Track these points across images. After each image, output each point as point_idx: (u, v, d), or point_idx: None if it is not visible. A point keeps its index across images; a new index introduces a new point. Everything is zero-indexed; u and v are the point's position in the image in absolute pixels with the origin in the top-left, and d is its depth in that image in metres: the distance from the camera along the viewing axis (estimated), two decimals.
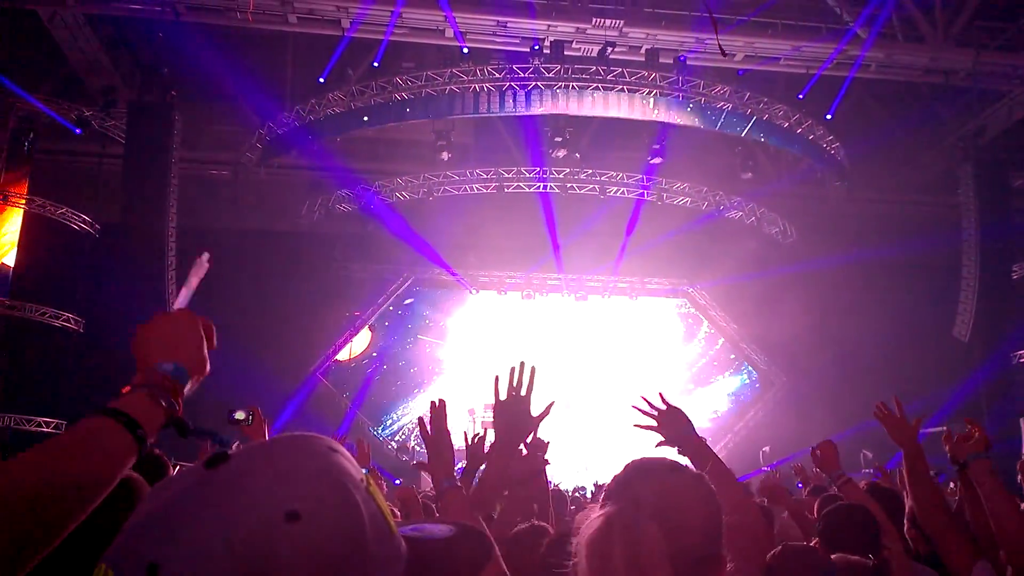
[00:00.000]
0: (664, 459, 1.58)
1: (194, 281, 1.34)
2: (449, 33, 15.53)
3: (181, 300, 1.30)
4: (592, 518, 1.40)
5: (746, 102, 16.65)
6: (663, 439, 2.11)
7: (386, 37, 15.21)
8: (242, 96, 16.30)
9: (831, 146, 17.37)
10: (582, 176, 18.19)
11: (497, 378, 2.16)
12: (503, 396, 2.11)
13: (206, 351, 1.20)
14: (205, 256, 1.36)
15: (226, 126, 16.44)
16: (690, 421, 2.12)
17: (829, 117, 17.10)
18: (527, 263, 19.44)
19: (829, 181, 17.97)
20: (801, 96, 16.70)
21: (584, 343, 21.15)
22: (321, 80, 16.44)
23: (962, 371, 16.91)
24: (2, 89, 14.87)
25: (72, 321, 16.15)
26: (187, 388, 1.15)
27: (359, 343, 19.91)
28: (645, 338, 21.50)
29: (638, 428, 2.16)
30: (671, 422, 2.12)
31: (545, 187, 18.21)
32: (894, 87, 16.89)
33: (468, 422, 19.70)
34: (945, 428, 2.97)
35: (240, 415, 3.13)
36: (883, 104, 16.82)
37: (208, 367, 1.20)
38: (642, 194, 18.26)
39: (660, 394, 2.17)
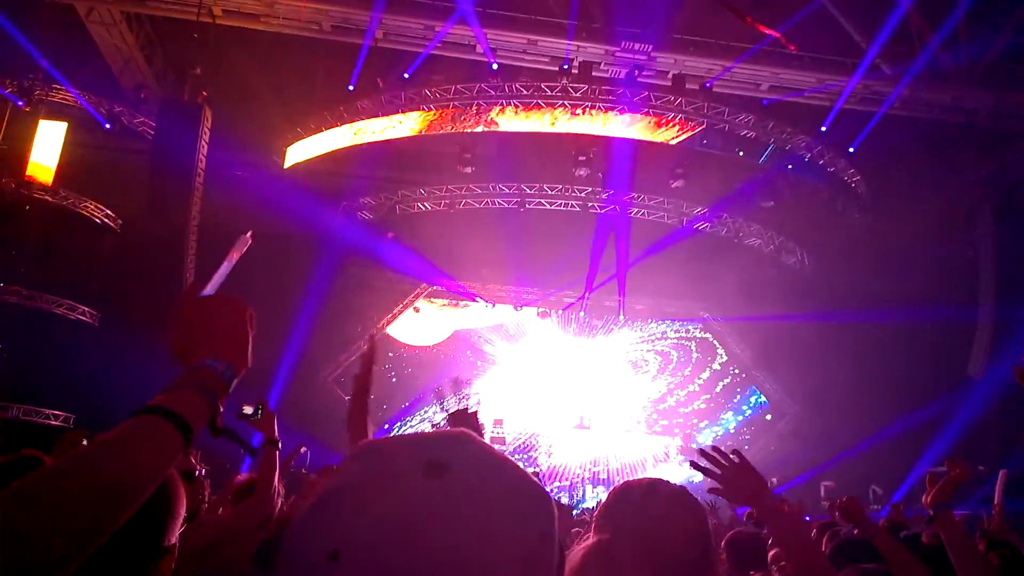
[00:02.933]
0: (643, 481, 1.67)
1: (235, 256, 1.28)
2: (480, 48, 15.70)
3: (218, 277, 1.23)
4: (574, 551, 1.55)
5: (769, 131, 16.79)
6: (722, 490, 1.99)
7: (426, 51, 15.36)
8: (272, 100, 16.44)
9: (852, 179, 17.46)
10: (604, 196, 18.25)
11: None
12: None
13: (251, 347, 1.16)
14: (249, 233, 1.30)
15: (255, 129, 16.55)
16: (762, 481, 1.98)
17: (851, 150, 17.23)
18: (546, 280, 19.42)
19: (849, 213, 18.02)
20: (824, 128, 16.82)
21: (604, 362, 21.08)
22: (350, 88, 16.60)
23: (976, 410, 16.77)
24: (44, 79, 15.03)
25: (87, 315, 16.11)
26: (231, 386, 1.13)
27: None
28: (663, 360, 21.46)
29: (696, 469, 2.03)
30: (738, 479, 1.98)
31: (566, 205, 18.27)
32: (920, 124, 16.99)
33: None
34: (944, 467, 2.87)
35: (248, 410, 3.14)
36: (908, 140, 16.91)
37: (251, 362, 1.16)
38: (663, 215, 18.31)
39: (736, 450, 2.03)
